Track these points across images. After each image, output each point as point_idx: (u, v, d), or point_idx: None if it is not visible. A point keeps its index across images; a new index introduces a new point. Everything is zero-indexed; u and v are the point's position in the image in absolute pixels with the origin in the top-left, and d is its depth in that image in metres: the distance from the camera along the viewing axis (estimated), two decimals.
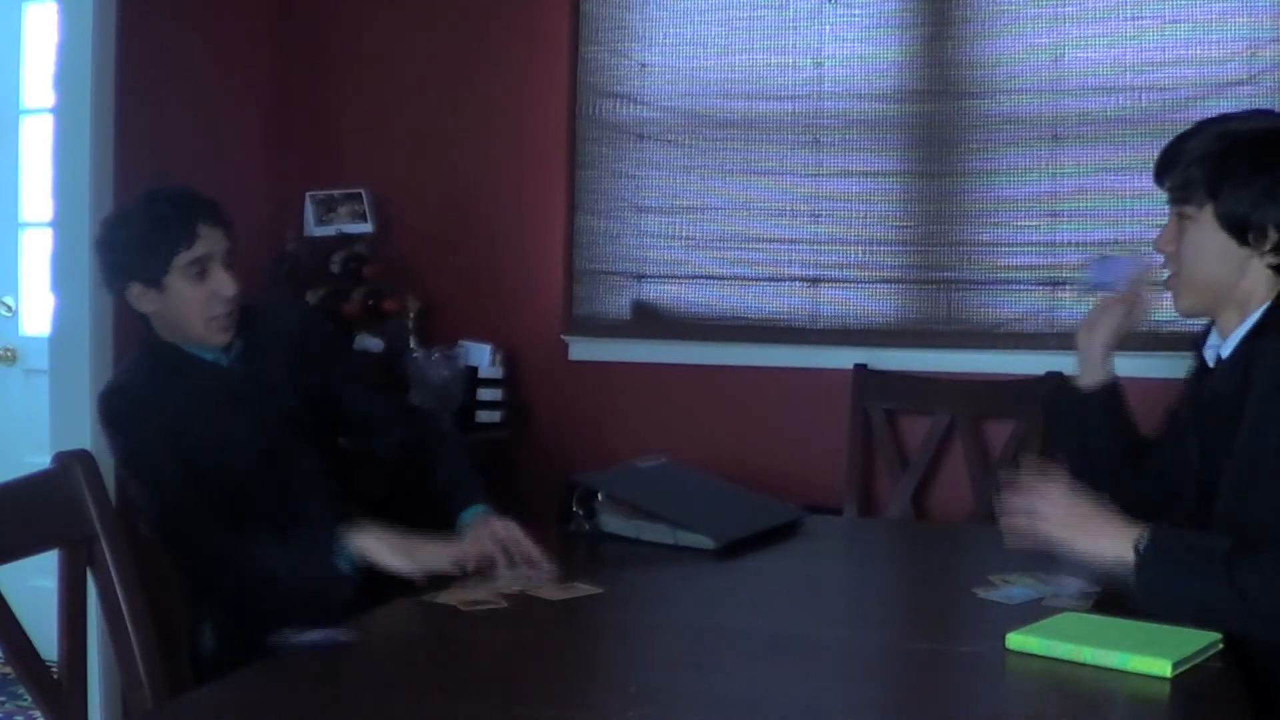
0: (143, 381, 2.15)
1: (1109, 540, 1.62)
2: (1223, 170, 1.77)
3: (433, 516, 2.14)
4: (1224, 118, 1.86)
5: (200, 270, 2.13)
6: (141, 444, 2.07)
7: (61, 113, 3.07)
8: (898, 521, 3.07)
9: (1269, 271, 1.78)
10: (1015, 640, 1.50)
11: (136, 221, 2.15)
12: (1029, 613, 1.62)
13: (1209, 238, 1.79)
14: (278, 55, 3.70)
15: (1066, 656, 1.46)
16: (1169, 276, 1.88)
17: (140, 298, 2.16)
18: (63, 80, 3.06)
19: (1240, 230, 1.77)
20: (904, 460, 3.18)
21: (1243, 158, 1.77)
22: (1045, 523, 1.68)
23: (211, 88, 3.46)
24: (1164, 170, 1.86)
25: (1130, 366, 3.06)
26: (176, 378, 2.15)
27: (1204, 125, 1.85)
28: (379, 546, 1.95)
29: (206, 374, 2.17)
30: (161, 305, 2.14)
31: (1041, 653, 1.48)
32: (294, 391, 2.24)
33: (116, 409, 2.11)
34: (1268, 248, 1.77)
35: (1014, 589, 1.80)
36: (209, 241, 2.15)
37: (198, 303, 2.13)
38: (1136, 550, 1.59)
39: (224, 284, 2.15)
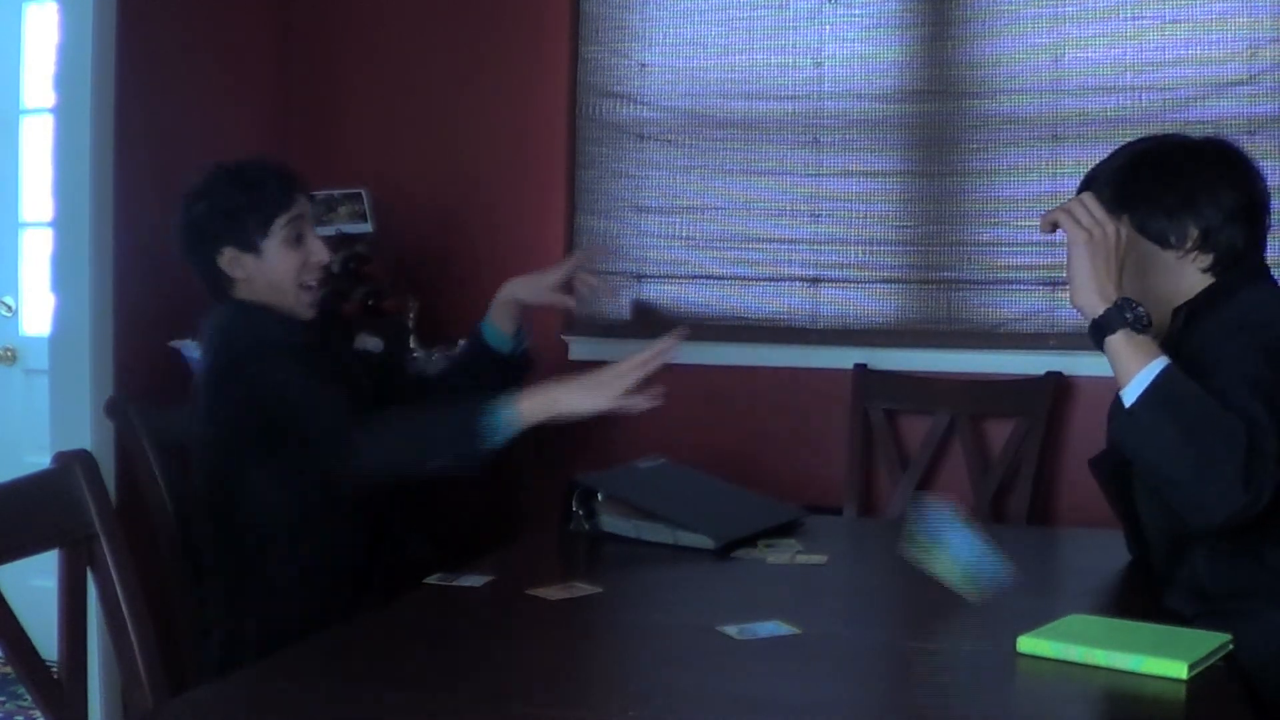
0: (250, 326, 2.16)
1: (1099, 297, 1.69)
2: (1133, 179, 1.85)
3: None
4: (1130, 143, 1.95)
5: (297, 235, 2.16)
6: (275, 369, 2.07)
7: (61, 113, 3.07)
8: (898, 521, 3.06)
9: (1203, 276, 1.82)
10: (1026, 643, 1.49)
11: (231, 186, 2.18)
12: (1036, 615, 1.61)
13: (1136, 249, 1.82)
14: (278, 55, 3.70)
15: (1079, 659, 1.45)
16: None
17: (233, 263, 2.17)
18: (63, 80, 3.06)
19: (1161, 234, 1.83)
20: (904, 460, 3.18)
21: (1151, 167, 1.86)
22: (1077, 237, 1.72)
23: (211, 88, 3.46)
24: (1087, 183, 1.93)
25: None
26: (276, 328, 2.16)
27: (1115, 152, 1.94)
28: (550, 399, 2.00)
29: (297, 328, 2.19)
30: (256, 270, 2.17)
31: (1054, 655, 1.47)
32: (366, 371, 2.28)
33: (241, 347, 2.11)
34: (1190, 247, 1.82)
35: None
36: (302, 206, 2.19)
37: (293, 268, 2.17)
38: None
39: (318, 249, 2.20)
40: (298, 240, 2.18)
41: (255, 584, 2.12)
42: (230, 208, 2.16)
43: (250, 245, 2.17)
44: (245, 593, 2.13)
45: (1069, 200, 1.79)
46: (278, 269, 2.17)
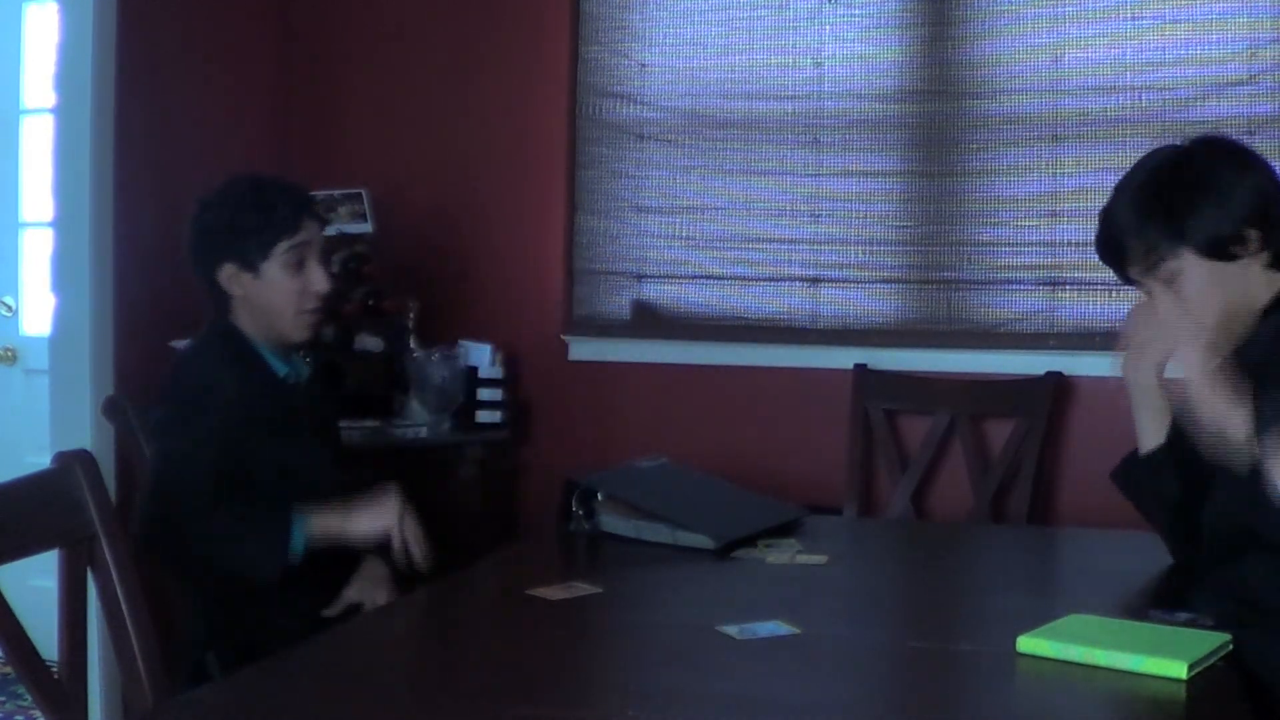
0: (213, 360, 2.14)
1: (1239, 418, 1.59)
2: (1168, 210, 1.77)
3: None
4: (1116, 192, 1.87)
5: (299, 260, 2.15)
6: (192, 418, 2.05)
7: (61, 113, 3.07)
8: (898, 521, 3.07)
9: (1265, 272, 1.78)
10: (1026, 643, 1.49)
11: (241, 203, 2.16)
12: (1036, 614, 1.60)
13: (1202, 274, 1.77)
14: (278, 55, 3.70)
15: (1079, 659, 1.45)
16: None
17: (231, 280, 2.16)
18: (63, 80, 3.06)
19: (1223, 248, 1.76)
20: (904, 460, 3.18)
21: (1177, 188, 1.79)
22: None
23: (211, 88, 3.46)
24: (1120, 259, 1.85)
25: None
26: (239, 367, 2.14)
27: (1110, 210, 1.86)
28: (341, 516, 2.00)
29: (268, 381, 2.18)
30: (253, 290, 2.15)
31: (1054, 655, 1.46)
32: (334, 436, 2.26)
33: (187, 376, 2.11)
34: (1254, 249, 1.76)
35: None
36: (310, 233, 2.17)
37: (292, 293, 2.15)
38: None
39: (318, 279, 2.18)
40: (299, 266, 2.16)
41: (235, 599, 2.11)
42: (236, 224, 2.14)
43: (250, 265, 2.15)
44: (231, 604, 2.12)
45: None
46: (274, 293, 2.15)
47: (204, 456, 2.02)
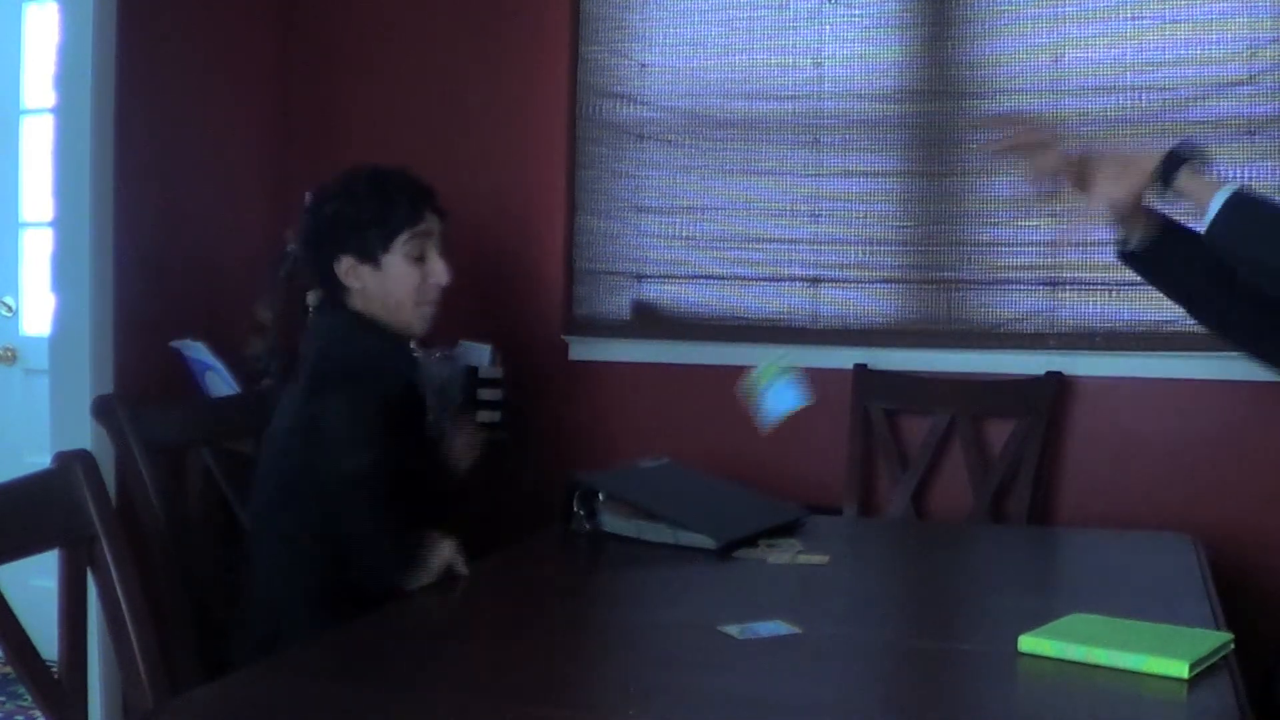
0: (375, 340, 2.12)
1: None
2: None
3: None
4: None
5: (420, 252, 2.12)
6: (365, 402, 1.99)
7: (61, 113, 3.07)
8: (898, 521, 3.07)
9: None
10: (1028, 643, 1.49)
11: (362, 194, 2.13)
12: (1037, 614, 1.61)
13: None
14: (278, 55, 3.70)
15: (1081, 659, 1.45)
16: None
17: (349, 272, 2.13)
18: (63, 80, 3.06)
19: None
20: (904, 460, 3.18)
21: None
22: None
23: (211, 88, 3.46)
24: None
25: (1130, 367, 3.08)
26: (401, 353, 2.13)
27: None
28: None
29: (403, 369, 2.15)
30: (372, 283, 2.12)
31: (1055, 655, 1.46)
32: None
33: (345, 360, 2.06)
34: None
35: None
36: (431, 224, 2.15)
37: (412, 285, 2.13)
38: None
39: (440, 270, 2.16)
40: (420, 258, 2.14)
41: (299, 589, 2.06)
42: (357, 216, 2.11)
43: (370, 257, 2.11)
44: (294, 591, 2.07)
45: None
46: (395, 285, 2.12)
47: (376, 448, 1.96)
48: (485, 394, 3.39)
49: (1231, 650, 1.49)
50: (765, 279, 3.37)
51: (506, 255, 3.56)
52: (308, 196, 2.25)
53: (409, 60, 3.63)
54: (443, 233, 2.21)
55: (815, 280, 3.34)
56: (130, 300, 3.10)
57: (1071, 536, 2.59)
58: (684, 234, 3.44)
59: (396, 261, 2.12)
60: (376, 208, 2.12)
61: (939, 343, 3.24)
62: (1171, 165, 1.80)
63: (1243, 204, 1.76)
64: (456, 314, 3.54)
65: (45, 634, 1.51)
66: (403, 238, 2.12)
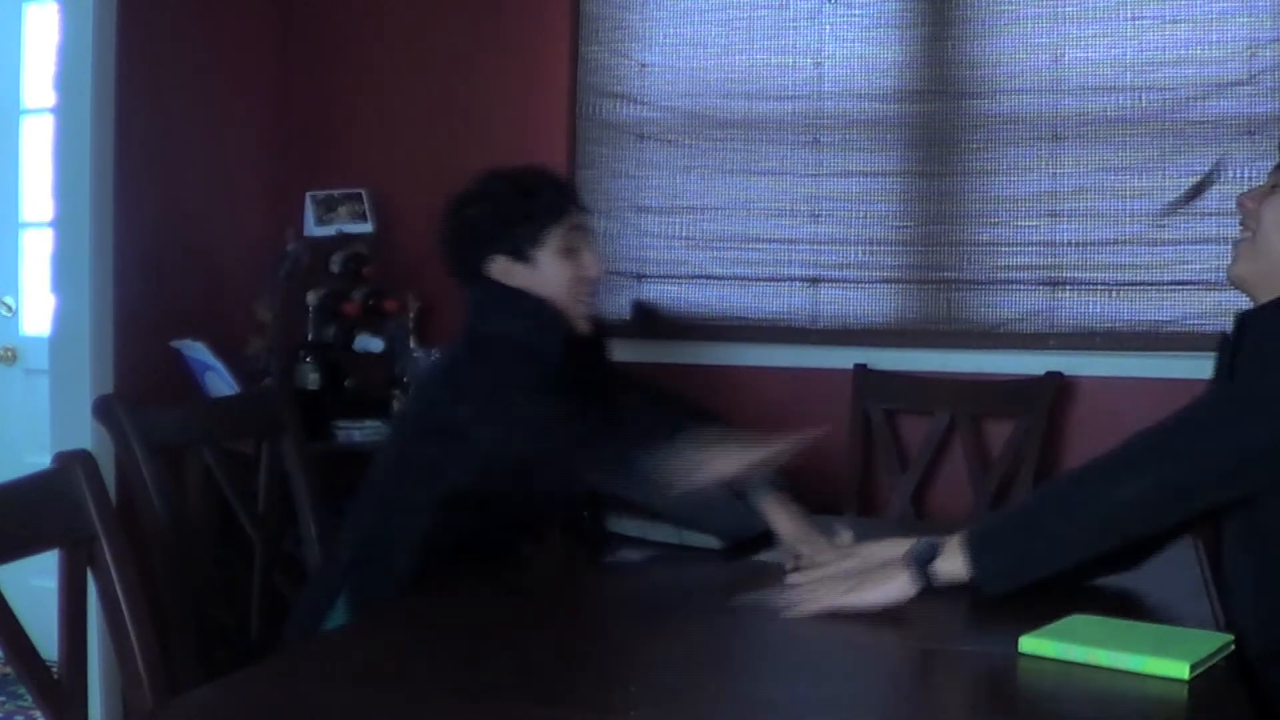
0: (521, 314, 2.08)
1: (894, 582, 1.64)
2: None
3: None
4: None
5: (572, 246, 2.10)
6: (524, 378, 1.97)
7: (61, 113, 3.07)
8: (898, 521, 3.06)
9: None
10: (1028, 644, 1.49)
11: (505, 193, 2.11)
12: (1037, 615, 1.60)
13: None
14: (278, 55, 3.70)
15: (1081, 660, 1.45)
16: (1241, 240, 1.75)
17: (504, 274, 2.10)
18: (63, 80, 3.06)
19: None
20: (904, 460, 3.18)
21: None
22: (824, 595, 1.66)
23: (211, 88, 3.46)
24: None
25: (1130, 367, 3.08)
26: (547, 329, 2.08)
27: None
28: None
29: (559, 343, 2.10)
30: (527, 281, 2.09)
31: (1056, 656, 1.46)
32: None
33: (520, 349, 2.01)
34: None
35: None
36: (579, 217, 2.13)
37: (566, 280, 2.09)
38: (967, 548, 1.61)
39: (592, 263, 2.12)
40: (572, 251, 2.10)
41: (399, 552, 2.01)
42: (505, 214, 2.09)
43: (523, 254, 2.08)
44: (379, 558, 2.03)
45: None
46: (550, 280, 2.08)
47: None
48: None
49: (1232, 651, 1.49)
50: (765, 279, 3.38)
51: None
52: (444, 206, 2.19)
53: (409, 60, 3.63)
54: (589, 224, 2.19)
55: (815, 280, 3.34)
56: (130, 300, 3.10)
57: None
58: (684, 234, 3.44)
59: (549, 256, 2.08)
60: (522, 204, 2.09)
61: (939, 343, 3.24)
62: (921, 564, 1.65)
63: (985, 540, 1.63)
64: (456, 314, 3.54)
65: (45, 634, 1.51)
66: (553, 231, 2.09)
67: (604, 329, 2.28)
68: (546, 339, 2.07)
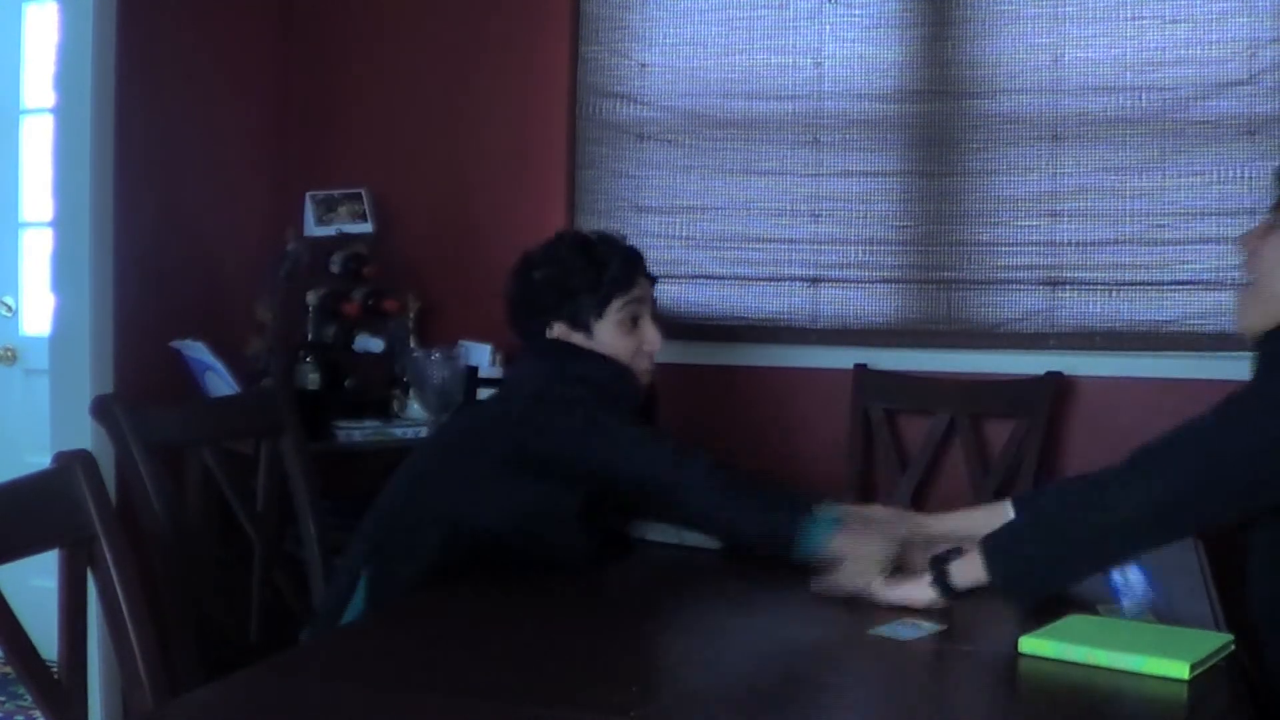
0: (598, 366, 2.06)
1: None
2: None
3: None
4: None
5: (633, 317, 2.08)
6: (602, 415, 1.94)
7: (61, 113, 3.07)
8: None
9: None
10: (1028, 644, 1.49)
11: (572, 260, 2.08)
12: (1037, 615, 1.60)
13: None
14: (278, 55, 3.70)
15: (1081, 660, 1.45)
16: (1244, 287, 1.72)
17: (564, 336, 2.08)
18: (63, 80, 3.06)
19: None
20: (904, 460, 3.18)
21: None
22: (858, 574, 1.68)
23: (211, 88, 3.46)
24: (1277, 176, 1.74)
25: (1130, 367, 3.08)
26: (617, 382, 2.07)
27: None
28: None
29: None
30: (586, 345, 2.07)
31: (1055, 656, 1.46)
32: None
33: (605, 392, 1.99)
34: None
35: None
36: (643, 289, 2.10)
37: (625, 353, 2.07)
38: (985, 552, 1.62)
39: (652, 337, 2.10)
40: (633, 323, 2.08)
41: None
42: (568, 283, 2.06)
43: (582, 324, 2.06)
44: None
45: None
46: (607, 350, 2.06)
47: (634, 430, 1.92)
48: (485, 394, 3.39)
49: (1232, 651, 1.49)
50: (765, 279, 3.37)
51: (507, 255, 3.54)
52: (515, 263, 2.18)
53: (409, 60, 3.63)
54: (653, 297, 2.15)
55: (815, 280, 3.34)
56: (130, 300, 3.10)
57: None
58: (684, 234, 3.44)
59: (609, 329, 2.06)
60: (588, 274, 2.06)
61: (939, 343, 3.24)
62: (939, 567, 1.66)
63: (1001, 545, 1.64)
64: (456, 314, 3.56)
65: (45, 634, 1.51)
66: (616, 304, 2.06)
67: (654, 395, 2.26)
68: (625, 388, 2.06)
